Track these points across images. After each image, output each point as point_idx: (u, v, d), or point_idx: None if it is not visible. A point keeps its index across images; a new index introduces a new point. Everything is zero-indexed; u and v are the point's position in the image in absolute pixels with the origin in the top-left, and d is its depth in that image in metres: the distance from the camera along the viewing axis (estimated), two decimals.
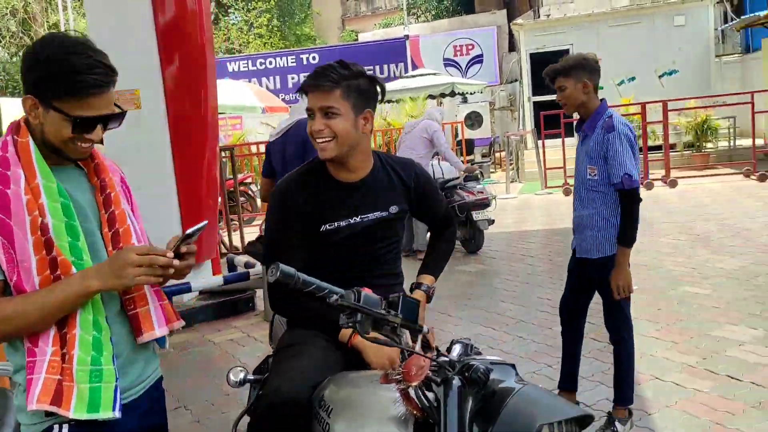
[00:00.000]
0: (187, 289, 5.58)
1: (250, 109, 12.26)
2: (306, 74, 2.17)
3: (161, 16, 5.50)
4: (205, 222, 1.58)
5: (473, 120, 17.26)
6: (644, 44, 14.45)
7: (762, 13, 12.89)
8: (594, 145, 3.20)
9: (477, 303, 5.73)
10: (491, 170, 16.00)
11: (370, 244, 2.08)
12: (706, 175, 11.96)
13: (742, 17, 14.30)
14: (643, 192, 10.99)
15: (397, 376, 1.36)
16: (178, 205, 5.75)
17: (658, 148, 12.53)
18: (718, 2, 15.14)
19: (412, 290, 2.17)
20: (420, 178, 2.21)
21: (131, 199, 1.75)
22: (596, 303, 3.41)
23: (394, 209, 2.11)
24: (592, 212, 3.23)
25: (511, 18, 19.96)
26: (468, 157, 15.96)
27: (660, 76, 14.57)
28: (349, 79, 1.98)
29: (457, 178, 7.48)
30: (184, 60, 5.57)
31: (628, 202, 3.08)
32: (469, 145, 16.03)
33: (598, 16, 14.98)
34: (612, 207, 3.17)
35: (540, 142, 12.52)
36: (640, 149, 12.55)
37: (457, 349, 1.49)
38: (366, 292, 1.35)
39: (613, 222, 3.17)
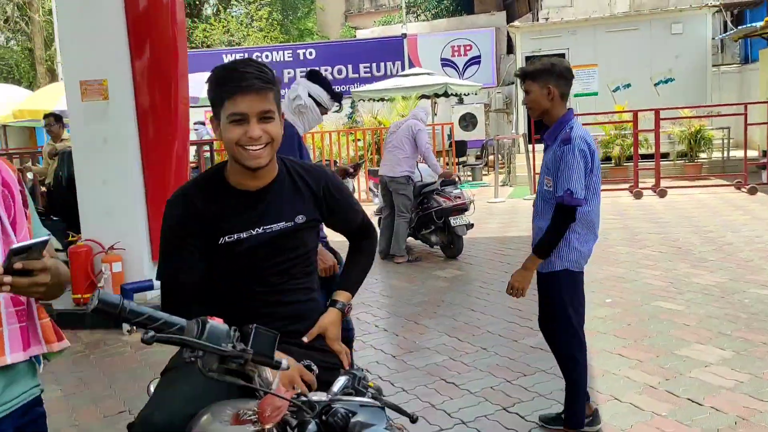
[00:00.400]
0: (150, 286, 5.45)
1: None
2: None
3: (132, 4, 5.37)
4: (44, 238, 1.43)
5: (468, 121, 17.13)
6: (641, 51, 14.31)
7: (759, 24, 12.74)
8: (552, 156, 3.10)
9: (446, 310, 5.61)
10: (483, 173, 15.88)
11: (276, 256, 1.93)
12: (697, 186, 11.83)
13: (740, 27, 14.16)
14: (631, 201, 10.83)
15: (252, 417, 1.23)
16: (144, 199, 5.63)
17: (650, 156, 12.39)
18: (717, 11, 14.98)
19: (327, 307, 2.03)
20: (330, 185, 2.06)
21: (14, 204, 1.60)
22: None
23: (300, 219, 1.96)
24: (549, 224, 3.12)
25: (510, 20, 19.79)
26: (461, 159, 15.84)
27: (656, 84, 14.43)
28: (275, 79, 1.87)
29: (435, 182, 7.36)
30: (155, 50, 5.44)
31: (559, 216, 3.00)
32: (462, 147, 15.89)
33: (595, 21, 14.83)
34: None
35: (531, 147, 12.38)
36: (630, 158, 12.49)
37: (340, 383, 1.36)
38: (213, 321, 1.22)
39: (566, 236, 3.05)
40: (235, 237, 1.88)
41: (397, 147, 7.14)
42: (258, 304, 1.91)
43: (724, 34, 15.21)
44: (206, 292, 1.91)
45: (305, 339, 1.89)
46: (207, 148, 11.19)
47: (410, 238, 7.75)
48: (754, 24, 13.46)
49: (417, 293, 6.23)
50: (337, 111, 3.58)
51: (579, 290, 3.23)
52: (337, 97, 3.48)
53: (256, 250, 1.89)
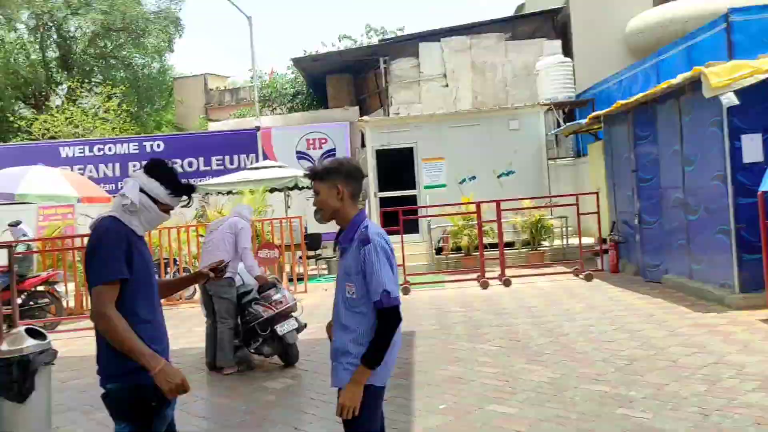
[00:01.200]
0: None
1: (63, 199, 11.08)
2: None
3: None
4: None
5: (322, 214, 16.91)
6: (483, 145, 14.91)
7: (583, 121, 13.73)
8: (351, 260, 2.86)
9: (268, 430, 4.99)
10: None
11: None
12: (540, 274, 12.15)
13: (568, 124, 15.23)
14: (478, 291, 10.78)
15: None
16: None
17: (495, 245, 12.66)
18: (548, 110, 16.08)
19: None
20: None
21: None
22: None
23: None
24: (353, 336, 2.83)
25: (363, 115, 20.22)
26: (315, 252, 15.49)
27: (498, 176, 15.03)
28: None
29: (252, 290, 6.82)
30: None
31: (384, 321, 2.75)
32: (317, 240, 15.60)
33: (440, 117, 15.38)
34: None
35: None
36: (476, 247, 12.71)
37: None
38: None
39: None
40: None
41: (217, 247, 6.60)
42: None
43: (555, 130, 16.30)
44: None
45: None
46: (22, 248, 10.08)
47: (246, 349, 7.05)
48: (578, 121, 14.51)
49: (238, 411, 5.57)
50: (185, 206, 2.97)
51: (379, 408, 2.97)
52: (181, 192, 2.91)
53: None
